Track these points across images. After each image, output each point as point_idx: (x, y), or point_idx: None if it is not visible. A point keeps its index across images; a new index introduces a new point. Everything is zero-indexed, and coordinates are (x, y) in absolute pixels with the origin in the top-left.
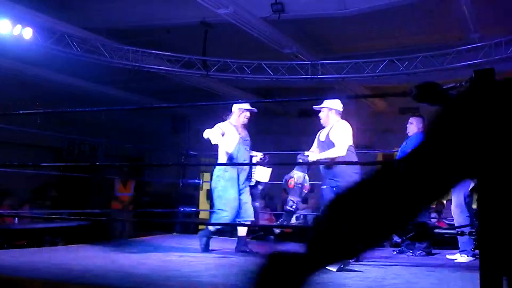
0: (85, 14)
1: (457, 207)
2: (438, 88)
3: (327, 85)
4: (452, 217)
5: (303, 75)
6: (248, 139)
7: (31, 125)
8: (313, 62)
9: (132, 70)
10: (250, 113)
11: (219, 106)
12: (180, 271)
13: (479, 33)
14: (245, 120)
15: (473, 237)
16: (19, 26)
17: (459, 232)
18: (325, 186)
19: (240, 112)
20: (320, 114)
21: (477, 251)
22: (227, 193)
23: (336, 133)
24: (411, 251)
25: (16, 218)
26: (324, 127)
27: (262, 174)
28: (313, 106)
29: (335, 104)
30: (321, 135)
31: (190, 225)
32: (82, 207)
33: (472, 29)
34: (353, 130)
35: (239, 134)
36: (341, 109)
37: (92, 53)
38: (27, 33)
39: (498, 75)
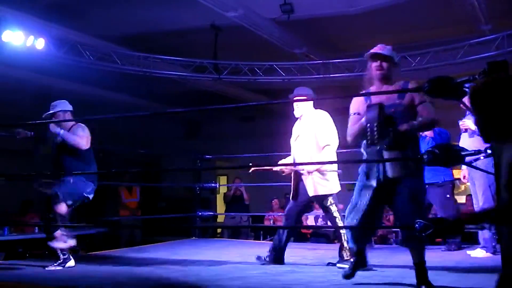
0: (96, 22)
1: (483, 194)
2: (452, 82)
3: (339, 84)
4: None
5: (315, 75)
6: None
7: None
8: (324, 61)
9: (143, 76)
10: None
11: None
12: (198, 276)
13: (490, 24)
14: None
15: (492, 232)
16: (31, 37)
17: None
18: None
19: None
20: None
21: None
22: None
23: None
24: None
25: (37, 228)
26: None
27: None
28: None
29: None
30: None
31: (208, 229)
32: (98, 214)
33: (483, 21)
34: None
35: None
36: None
37: (104, 61)
38: (40, 43)
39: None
